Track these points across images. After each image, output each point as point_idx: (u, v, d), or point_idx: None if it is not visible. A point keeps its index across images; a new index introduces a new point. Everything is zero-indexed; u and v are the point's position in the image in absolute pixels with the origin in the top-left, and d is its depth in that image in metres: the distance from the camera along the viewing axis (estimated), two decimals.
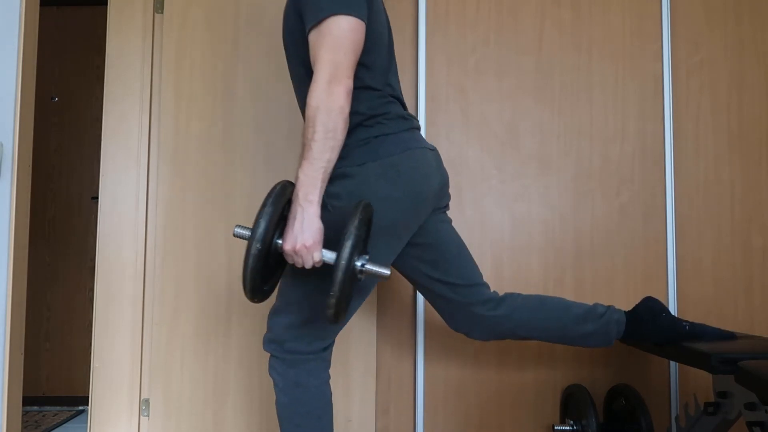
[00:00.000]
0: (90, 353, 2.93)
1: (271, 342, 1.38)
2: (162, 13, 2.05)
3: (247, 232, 1.19)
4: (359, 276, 1.19)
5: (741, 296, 2.04)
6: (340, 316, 1.16)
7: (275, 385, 1.39)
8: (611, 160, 2.06)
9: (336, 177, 1.28)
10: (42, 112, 3.06)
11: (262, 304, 1.96)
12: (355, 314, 1.92)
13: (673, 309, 2.01)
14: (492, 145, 2.06)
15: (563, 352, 2.01)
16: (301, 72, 1.36)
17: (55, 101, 3.07)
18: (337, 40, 1.20)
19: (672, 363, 2.00)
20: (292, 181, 1.53)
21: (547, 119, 2.07)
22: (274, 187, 1.18)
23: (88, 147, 3.05)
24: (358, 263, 1.17)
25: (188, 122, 1.98)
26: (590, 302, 2.00)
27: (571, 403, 1.88)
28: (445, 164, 2.05)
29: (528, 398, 2.00)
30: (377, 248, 1.32)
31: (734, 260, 2.04)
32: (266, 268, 1.19)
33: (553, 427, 1.80)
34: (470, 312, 1.49)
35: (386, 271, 1.18)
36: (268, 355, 1.87)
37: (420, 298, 2.00)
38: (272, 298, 1.97)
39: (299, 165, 1.19)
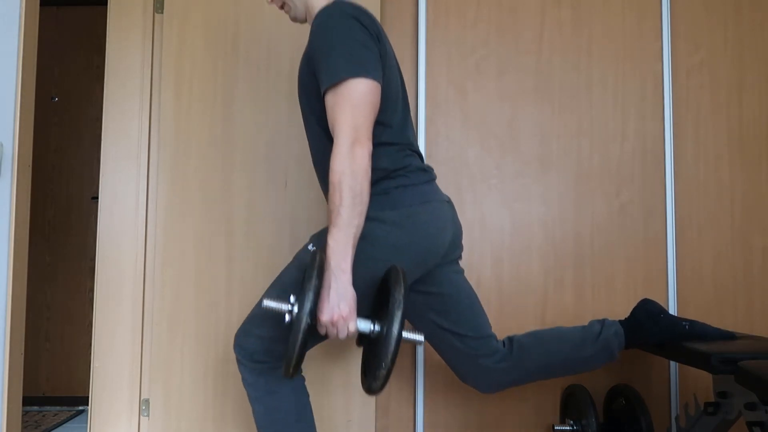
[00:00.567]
0: (90, 353, 2.93)
1: (241, 348, 1.38)
2: (162, 13, 2.05)
3: (281, 306, 1.16)
4: None
5: (741, 296, 2.04)
6: (385, 383, 1.13)
7: (249, 396, 1.38)
8: (611, 160, 2.06)
9: None
10: (42, 112, 3.06)
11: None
12: None
13: (673, 309, 2.01)
14: (492, 145, 2.06)
15: None
16: (316, 127, 1.37)
17: (55, 101, 3.07)
18: (355, 103, 1.21)
19: (672, 363, 2.00)
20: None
21: (547, 119, 2.07)
22: (314, 258, 1.15)
23: (88, 147, 3.05)
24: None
25: (188, 122, 1.98)
26: (590, 302, 2.01)
27: (571, 403, 1.88)
28: (445, 164, 2.05)
29: (528, 398, 2.00)
30: (365, 295, 1.31)
31: (734, 260, 2.04)
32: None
33: (553, 427, 1.80)
34: (477, 364, 1.49)
35: (420, 338, 1.17)
36: None
37: None
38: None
39: (329, 232, 1.18)
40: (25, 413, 2.79)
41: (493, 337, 1.51)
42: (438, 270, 1.44)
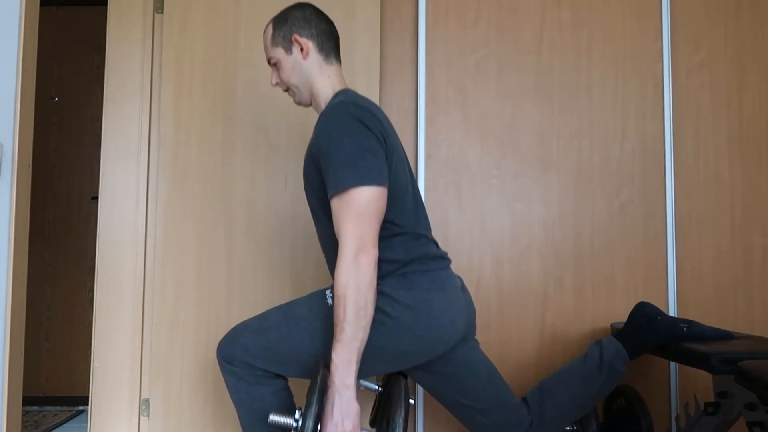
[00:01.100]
0: (90, 353, 2.93)
1: (221, 350, 1.37)
2: (162, 13, 2.05)
3: (285, 421, 1.17)
4: None
5: (741, 296, 2.04)
6: None
7: (232, 399, 1.38)
8: (611, 160, 2.06)
9: None
10: (42, 112, 3.06)
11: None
12: None
13: (673, 309, 2.01)
14: (492, 145, 2.06)
15: (562, 353, 2.01)
16: (322, 217, 1.37)
17: (55, 101, 3.07)
18: (360, 212, 1.21)
19: (672, 363, 2.00)
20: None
21: (547, 119, 2.07)
22: (315, 380, 1.16)
23: (88, 147, 3.05)
24: None
25: (188, 122, 1.98)
26: (590, 302, 2.01)
27: None
28: (445, 164, 2.05)
29: None
30: (370, 366, 1.30)
31: (734, 260, 2.04)
32: None
33: None
34: None
35: None
36: None
37: None
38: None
39: (333, 347, 1.17)
40: (25, 413, 2.79)
41: (519, 405, 1.47)
42: (451, 351, 1.41)
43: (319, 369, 1.18)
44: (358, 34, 1.99)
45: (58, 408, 2.90)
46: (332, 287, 1.37)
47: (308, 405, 1.13)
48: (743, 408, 1.36)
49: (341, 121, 1.25)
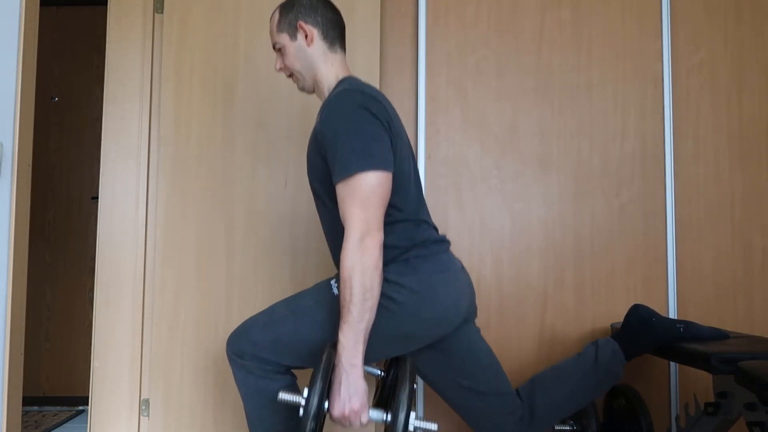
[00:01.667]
0: (90, 353, 2.93)
1: (231, 346, 1.38)
2: (162, 13, 2.05)
3: (294, 399, 1.19)
4: None
5: (741, 296, 2.04)
6: None
7: (240, 394, 1.39)
8: (611, 160, 2.06)
9: None
10: (42, 112, 3.06)
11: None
12: None
13: (673, 309, 2.01)
14: (492, 145, 2.06)
15: (562, 353, 2.01)
16: (326, 204, 1.38)
17: (55, 101, 3.07)
18: (365, 196, 1.22)
19: (672, 363, 2.00)
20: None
21: (547, 119, 2.07)
22: (322, 357, 1.18)
23: (88, 147, 3.05)
24: (411, 427, 1.17)
25: (188, 122, 1.98)
26: (590, 302, 2.01)
27: None
28: (445, 164, 2.05)
29: None
30: (375, 349, 1.31)
31: (734, 260, 2.04)
32: None
33: (554, 427, 1.80)
34: (497, 422, 1.48)
35: (434, 427, 1.19)
36: None
37: None
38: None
39: (339, 328, 1.19)
40: (25, 413, 2.79)
41: (514, 395, 1.50)
42: (454, 332, 1.43)
43: (327, 350, 1.19)
44: (358, 34, 1.99)
45: (58, 408, 2.90)
46: (336, 276, 1.38)
47: (312, 382, 1.14)
48: (743, 408, 1.36)
49: (347, 108, 1.26)
